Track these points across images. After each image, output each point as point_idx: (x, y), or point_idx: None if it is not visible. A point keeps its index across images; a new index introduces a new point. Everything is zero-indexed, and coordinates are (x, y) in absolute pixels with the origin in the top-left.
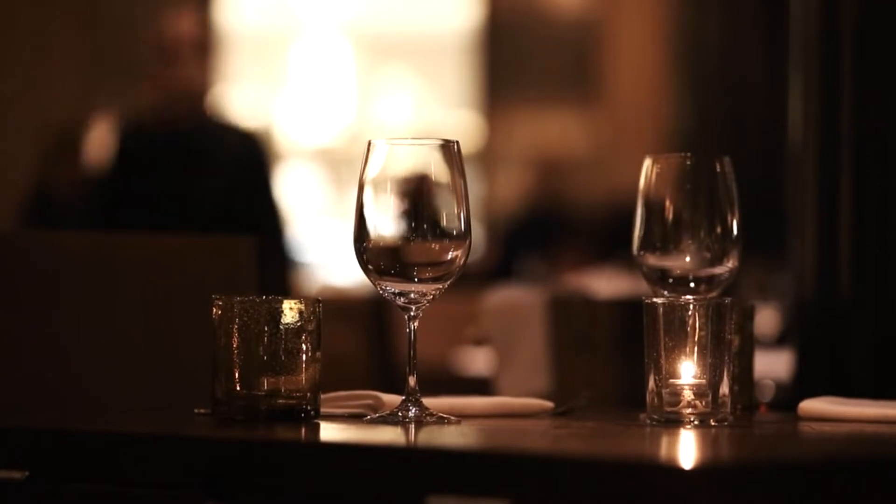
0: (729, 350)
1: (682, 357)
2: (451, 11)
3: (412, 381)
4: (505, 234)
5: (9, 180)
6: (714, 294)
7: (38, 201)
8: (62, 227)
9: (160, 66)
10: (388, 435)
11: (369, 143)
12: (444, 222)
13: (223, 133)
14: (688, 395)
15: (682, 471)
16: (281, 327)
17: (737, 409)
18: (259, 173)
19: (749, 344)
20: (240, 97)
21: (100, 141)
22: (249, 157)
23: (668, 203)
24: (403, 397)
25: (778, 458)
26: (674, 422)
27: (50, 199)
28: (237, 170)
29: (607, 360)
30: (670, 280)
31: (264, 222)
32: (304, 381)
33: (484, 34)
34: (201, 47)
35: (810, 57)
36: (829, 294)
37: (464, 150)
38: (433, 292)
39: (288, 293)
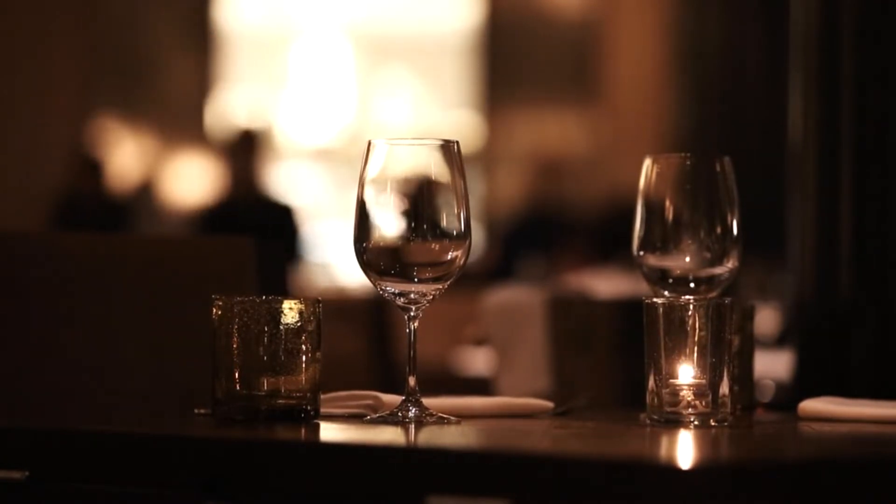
0: (729, 350)
1: (682, 357)
2: (451, 11)
3: (412, 381)
4: (505, 234)
5: (9, 180)
6: (714, 294)
7: (66, 213)
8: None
9: (242, 156)
10: (388, 435)
11: (369, 143)
12: (444, 222)
13: (266, 209)
14: (688, 395)
15: (682, 471)
16: (281, 327)
17: (737, 409)
18: (291, 239)
19: (749, 344)
20: (240, 97)
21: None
22: (286, 226)
23: (668, 203)
24: (403, 397)
25: (778, 458)
26: (674, 422)
27: (77, 212)
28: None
29: (607, 360)
30: (670, 280)
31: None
32: (304, 381)
33: (484, 34)
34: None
35: (810, 57)
36: (829, 294)
37: (464, 151)
38: (433, 292)
39: (288, 294)
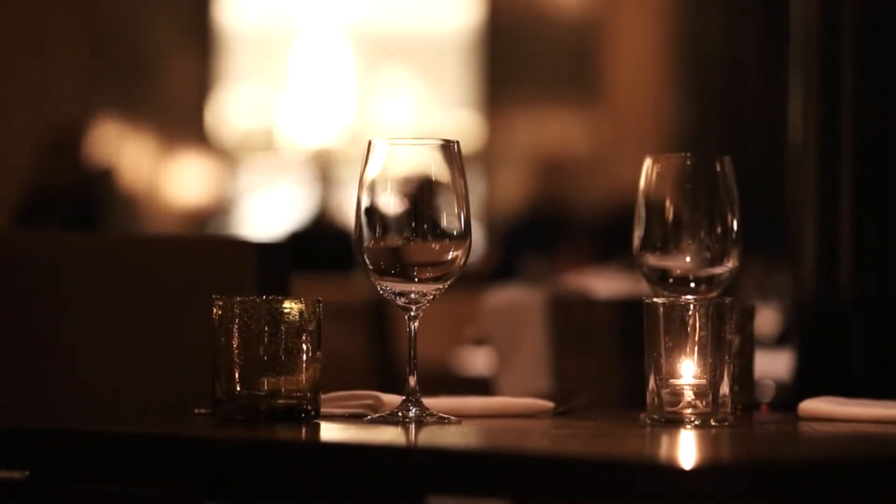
0: (729, 350)
1: (683, 357)
2: (451, 11)
3: (412, 381)
4: (506, 233)
5: (10, 180)
6: (714, 294)
7: (35, 202)
8: (58, 227)
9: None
10: (388, 435)
11: (369, 143)
12: (444, 222)
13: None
14: (688, 395)
15: (682, 471)
16: (281, 327)
17: (737, 409)
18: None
19: (749, 344)
20: (240, 97)
21: (103, 141)
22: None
23: (668, 203)
24: (403, 397)
25: (778, 458)
26: (674, 422)
27: (46, 200)
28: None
29: (607, 360)
30: (670, 280)
31: None
32: (304, 381)
33: (484, 34)
34: None
35: (810, 57)
36: (829, 294)
37: (464, 151)
38: (433, 292)
39: (288, 294)
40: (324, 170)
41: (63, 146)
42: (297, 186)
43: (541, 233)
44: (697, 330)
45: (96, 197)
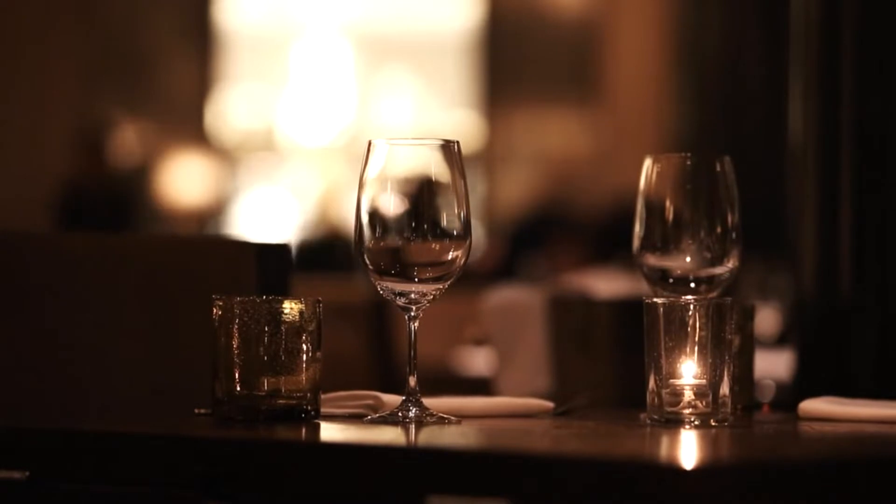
0: (729, 350)
1: (683, 357)
2: (451, 11)
3: (412, 381)
4: (512, 233)
5: (10, 178)
6: (714, 294)
7: (70, 201)
8: (93, 225)
9: None
10: (388, 435)
11: (369, 143)
12: (444, 222)
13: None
14: (688, 395)
15: (682, 471)
16: (281, 327)
17: (737, 409)
18: None
19: (749, 344)
20: (240, 97)
21: (126, 142)
22: None
23: (668, 203)
24: (403, 397)
25: (778, 458)
26: (674, 422)
27: (81, 199)
28: None
29: (607, 360)
30: (670, 280)
31: None
32: (304, 381)
33: (484, 34)
34: None
35: (810, 57)
36: (829, 294)
37: (464, 151)
38: (433, 292)
39: (288, 294)
40: (323, 170)
41: (94, 140)
42: (296, 186)
43: (541, 233)
44: (697, 330)
45: (126, 197)
